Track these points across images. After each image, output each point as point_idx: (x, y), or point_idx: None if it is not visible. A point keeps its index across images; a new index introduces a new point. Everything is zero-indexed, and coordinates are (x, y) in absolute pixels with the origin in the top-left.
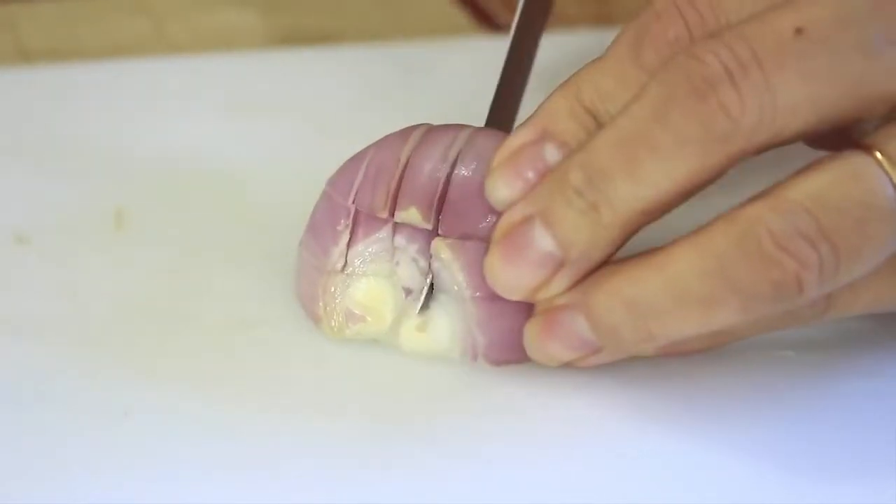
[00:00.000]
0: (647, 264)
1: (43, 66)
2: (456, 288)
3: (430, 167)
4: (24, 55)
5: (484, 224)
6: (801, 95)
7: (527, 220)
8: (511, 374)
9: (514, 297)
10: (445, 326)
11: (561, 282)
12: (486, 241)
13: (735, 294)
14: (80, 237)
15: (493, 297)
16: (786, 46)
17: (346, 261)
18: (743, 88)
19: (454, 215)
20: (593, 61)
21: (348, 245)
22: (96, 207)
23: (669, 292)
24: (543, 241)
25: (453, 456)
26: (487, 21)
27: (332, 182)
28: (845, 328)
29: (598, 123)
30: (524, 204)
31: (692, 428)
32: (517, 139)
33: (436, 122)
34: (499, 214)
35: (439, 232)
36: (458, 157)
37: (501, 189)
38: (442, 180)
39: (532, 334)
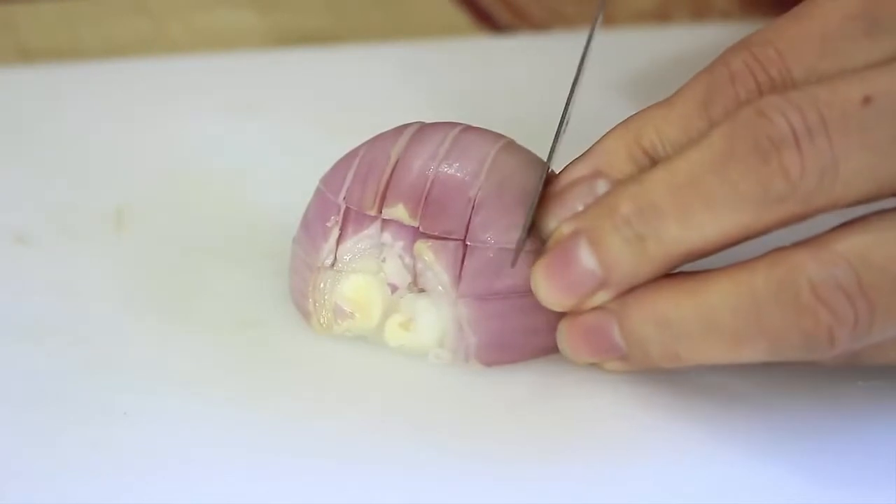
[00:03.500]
0: (686, 288)
1: (43, 65)
2: (441, 288)
3: (420, 165)
4: (24, 55)
5: (464, 221)
6: (861, 166)
7: (574, 236)
8: (507, 373)
9: (555, 309)
10: (429, 325)
11: (600, 299)
12: (465, 240)
13: (764, 336)
14: (80, 237)
15: (484, 298)
16: (852, 115)
17: (335, 257)
18: (806, 153)
19: (436, 211)
20: (656, 106)
21: (338, 241)
22: (96, 207)
23: (701, 320)
24: (587, 259)
25: (454, 455)
26: (487, 21)
27: (325, 179)
28: None
29: (653, 162)
30: (574, 220)
31: (692, 428)
32: (571, 174)
33: (434, 120)
34: (474, 205)
35: (421, 228)
36: (446, 154)
37: (552, 221)
38: (431, 178)
39: (566, 330)
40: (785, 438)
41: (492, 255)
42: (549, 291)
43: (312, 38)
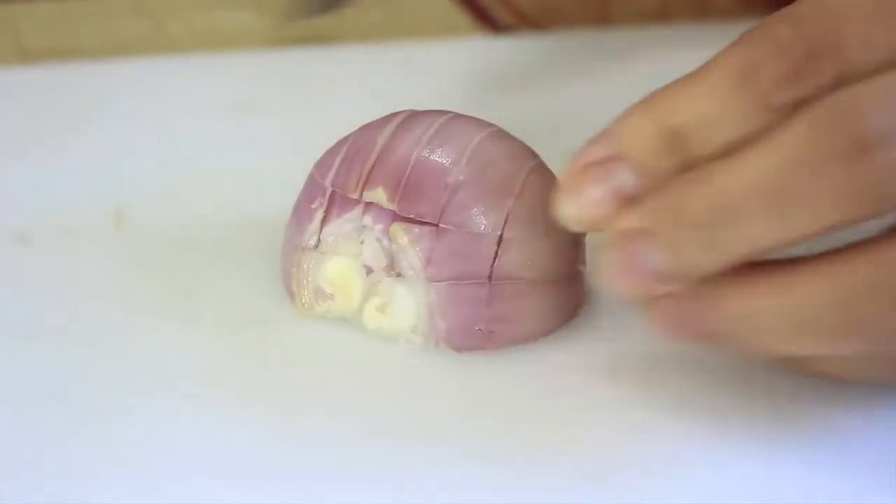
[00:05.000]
0: (778, 282)
1: (43, 65)
2: (412, 272)
3: (404, 150)
4: (24, 55)
5: (440, 205)
6: None
7: (640, 235)
8: (506, 365)
9: (620, 297)
10: (405, 309)
11: (665, 289)
12: (440, 223)
13: (860, 333)
14: (80, 237)
15: (453, 284)
16: None
17: (318, 238)
18: None
19: (413, 195)
20: (682, 82)
21: (322, 223)
22: (96, 207)
23: (794, 317)
24: (658, 259)
25: (462, 457)
26: (487, 21)
27: (317, 164)
28: None
29: (688, 149)
30: (642, 216)
31: (679, 420)
32: (588, 155)
33: None
34: (451, 190)
35: (398, 211)
36: (429, 140)
37: (569, 208)
38: (412, 163)
39: (655, 310)
40: (780, 438)
41: (463, 239)
42: (613, 282)
43: (312, 38)
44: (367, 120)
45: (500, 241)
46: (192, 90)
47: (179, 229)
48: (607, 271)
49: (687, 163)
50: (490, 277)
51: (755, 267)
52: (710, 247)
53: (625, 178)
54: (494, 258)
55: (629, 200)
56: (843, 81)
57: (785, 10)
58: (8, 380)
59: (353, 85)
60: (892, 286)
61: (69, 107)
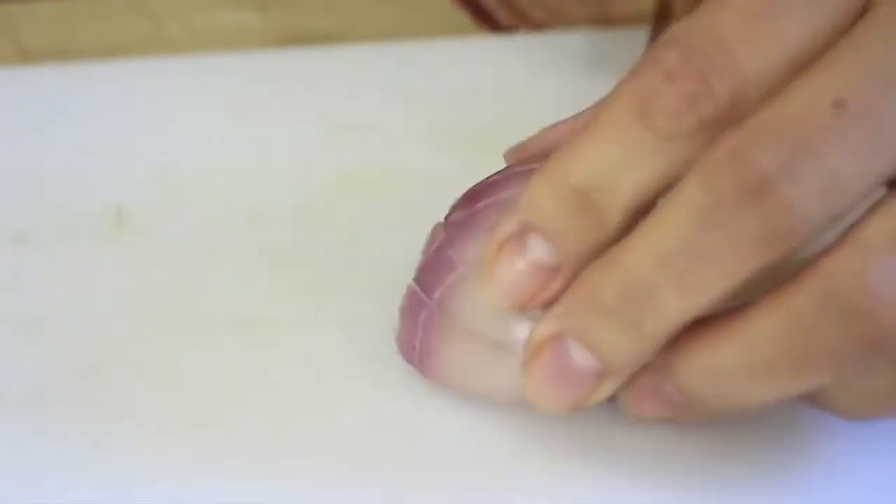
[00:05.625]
0: (727, 330)
1: (42, 65)
2: None
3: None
4: (24, 55)
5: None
6: (856, 169)
7: (559, 339)
8: None
9: (563, 414)
10: None
11: (608, 390)
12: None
13: (824, 355)
14: (80, 237)
15: (411, 290)
16: (831, 126)
17: None
18: (803, 180)
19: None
20: (576, 136)
21: None
22: (96, 207)
23: (752, 359)
24: (582, 359)
25: (459, 464)
26: (487, 21)
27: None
28: None
29: (598, 204)
30: (552, 321)
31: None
32: (500, 233)
33: (435, 121)
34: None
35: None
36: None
37: (491, 293)
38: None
39: (626, 399)
40: (776, 439)
41: (437, 252)
42: (549, 401)
43: (312, 38)
44: (367, 120)
45: (457, 270)
46: (192, 90)
47: (179, 229)
48: (534, 390)
49: (601, 219)
50: (434, 300)
51: (710, 319)
52: (631, 331)
53: (539, 250)
54: (442, 286)
55: (550, 272)
56: (739, 96)
57: (665, 36)
58: (8, 380)
59: (353, 85)
60: (838, 304)
61: (69, 107)
